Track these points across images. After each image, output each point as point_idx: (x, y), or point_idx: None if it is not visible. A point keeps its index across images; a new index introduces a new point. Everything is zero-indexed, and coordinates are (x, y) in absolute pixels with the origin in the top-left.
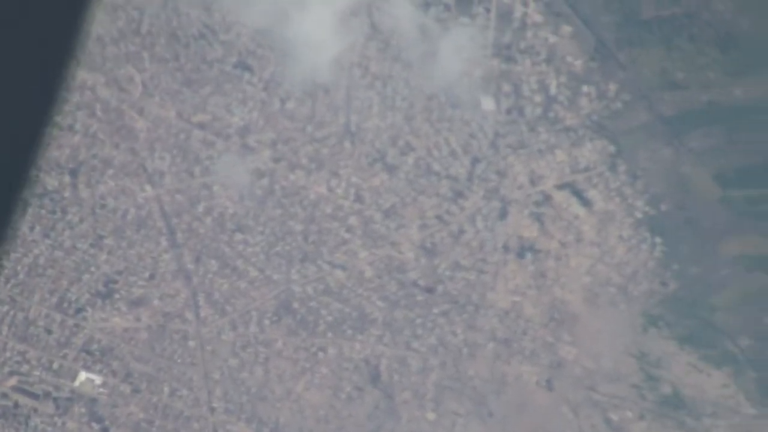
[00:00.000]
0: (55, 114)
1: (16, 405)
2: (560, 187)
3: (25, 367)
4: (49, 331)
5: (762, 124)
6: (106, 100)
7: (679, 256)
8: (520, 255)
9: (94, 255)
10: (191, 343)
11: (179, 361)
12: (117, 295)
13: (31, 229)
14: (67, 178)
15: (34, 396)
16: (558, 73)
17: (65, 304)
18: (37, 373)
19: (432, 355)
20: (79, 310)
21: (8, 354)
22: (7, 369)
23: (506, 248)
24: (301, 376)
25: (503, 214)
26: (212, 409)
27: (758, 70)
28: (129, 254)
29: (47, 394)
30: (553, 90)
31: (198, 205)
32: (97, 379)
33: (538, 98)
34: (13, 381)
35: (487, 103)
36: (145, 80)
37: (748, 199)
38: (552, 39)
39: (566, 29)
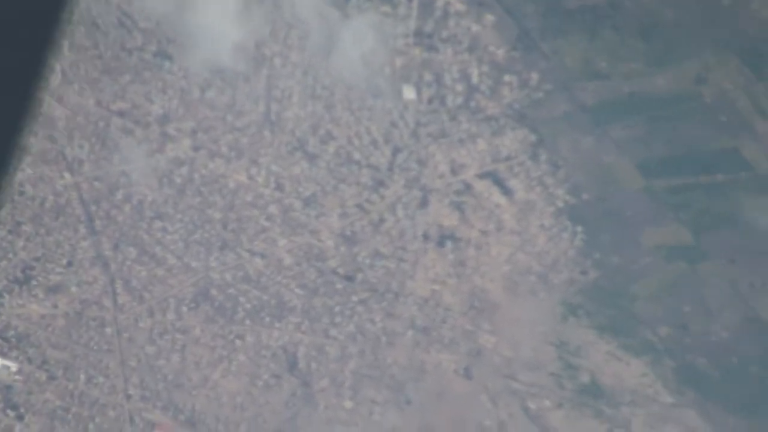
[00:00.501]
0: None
1: None
2: (481, 176)
3: None
4: None
5: (684, 113)
6: None
7: (599, 246)
8: (440, 244)
9: (11, 242)
10: (108, 330)
11: (96, 348)
12: (34, 282)
13: None
14: None
15: None
16: (480, 62)
17: None
18: None
19: (350, 343)
20: None
21: None
22: None
23: (426, 237)
24: (218, 363)
25: (424, 203)
26: (128, 396)
27: (680, 60)
28: (47, 241)
29: None
30: (474, 79)
31: (117, 192)
32: (13, 366)
33: (459, 87)
34: None
35: (409, 93)
36: (65, 68)
37: (669, 189)
38: (474, 28)
39: (489, 18)
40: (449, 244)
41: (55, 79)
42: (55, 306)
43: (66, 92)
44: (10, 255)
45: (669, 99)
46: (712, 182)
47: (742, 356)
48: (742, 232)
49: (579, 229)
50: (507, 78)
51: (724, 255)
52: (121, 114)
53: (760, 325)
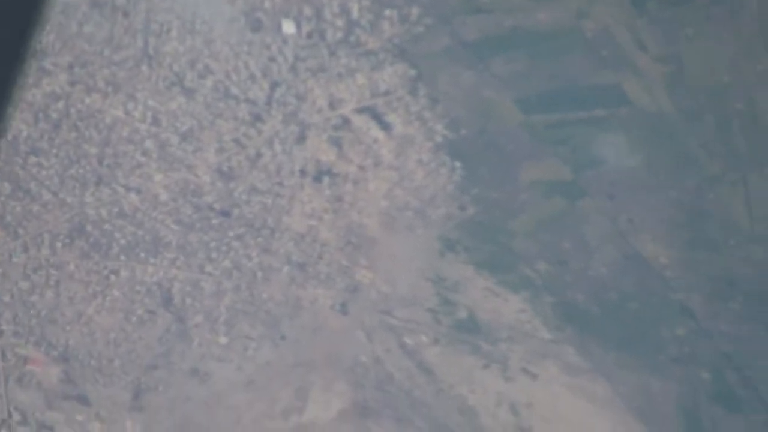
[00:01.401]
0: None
1: None
2: (359, 111)
3: None
4: None
5: (564, 48)
6: None
7: (478, 181)
8: (317, 179)
9: None
10: None
11: None
12: None
13: None
14: None
15: None
16: None
17: None
18: None
19: (226, 279)
20: None
21: None
22: None
23: (303, 172)
24: (92, 299)
25: (301, 138)
26: (1, 332)
27: None
28: None
29: None
30: (355, 14)
31: None
32: None
33: (339, 22)
34: None
35: (288, 27)
36: None
37: (548, 124)
38: None
39: None
40: (326, 180)
41: None
42: None
43: None
44: None
45: (550, 33)
46: (591, 117)
47: (620, 292)
48: (621, 168)
49: (457, 164)
50: (387, 12)
51: (603, 191)
52: None
53: (639, 261)
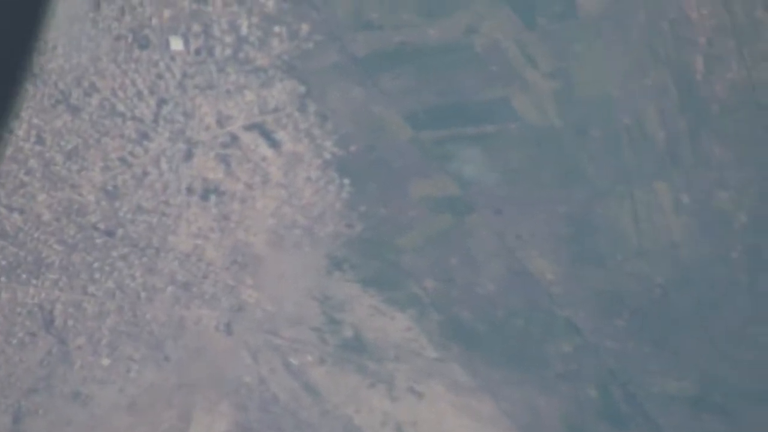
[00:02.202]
0: None
1: None
2: (248, 128)
3: None
4: None
5: (454, 63)
6: None
7: (366, 198)
8: (204, 197)
9: None
10: None
11: None
12: None
13: None
14: None
15: None
16: (250, 13)
17: None
18: None
19: (109, 300)
20: None
21: None
22: None
23: (190, 190)
24: None
25: (188, 156)
26: None
27: (451, 10)
28: None
29: None
30: (244, 30)
31: None
32: None
33: (228, 39)
34: None
35: (176, 44)
36: None
37: (437, 140)
38: None
39: None
40: (213, 198)
41: None
42: None
43: None
44: None
45: (439, 49)
46: (480, 133)
47: (507, 309)
48: (510, 183)
49: (346, 181)
50: (277, 29)
51: (490, 206)
52: None
53: (526, 278)
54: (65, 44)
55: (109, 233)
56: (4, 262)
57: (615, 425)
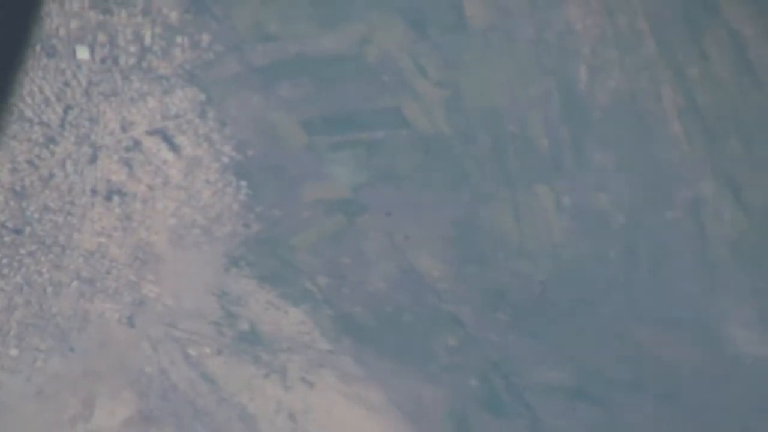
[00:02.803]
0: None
1: None
2: (150, 133)
3: None
4: None
5: (348, 73)
6: None
7: (262, 200)
8: (108, 198)
9: None
10: None
11: None
12: None
13: None
14: None
15: None
16: (153, 24)
17: None
18: None
19: (17, 294)
20: None
21: None
22: None
23: (94, 192)
24: None
25: (93, 159)
26: None
27: (346, 22)
28: None
29: None
30: (148, 41)
31: None
32: None
33: (132, 48)
34: None
35: (82, 53)
36: None
37: (331, 146)
38: None
39: None
40: (116, 199)
41: None
42: None
43: None
44: None
45: (334, 59)
46: (372, 139)
47: (395, 305)
48: (399, 186)
49: (243, 183)
50: (179, 39)
51: (381, 208)
52: None
53: (414, 275)
54: None
55: (17, 231)
56: None
57: (496, 414)
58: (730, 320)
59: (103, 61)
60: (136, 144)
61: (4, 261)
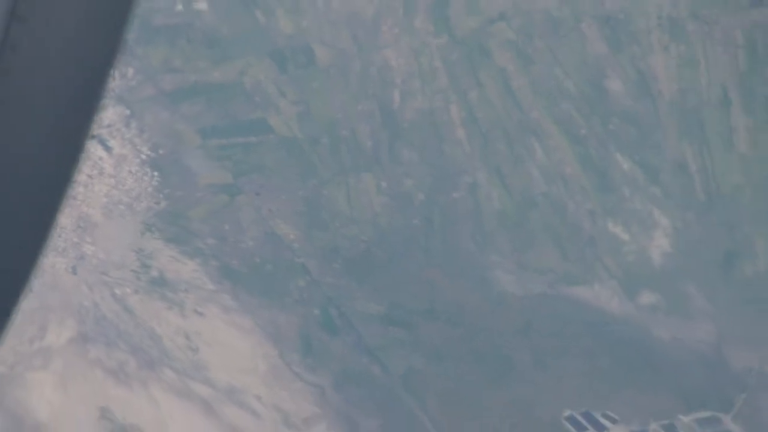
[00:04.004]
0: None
1: None
2: (90, 138)
3: None
4: None
5: (232, 95)
6: None
7: (169, 185)
8: None
9: None
10: None
11: None
12: None
13: None
14: None
15: None
16: None
17: None
18: None
19: None
20: None
21: None
22: None
23: None
24: None
25: None
26: None
27: (229, 60)
28: None
29: None
30: None
31: None
32: None
33: None
34: None
35: None
36: None
37: (219, 147)
38: None
39: None
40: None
41: None
42: None
43: None
44: None
45: (221, 86)
46: (247, 142)
47: (262, 257)
48: (266, 175)
49: (156, 173)
50: (113, 72)
51: (253, 190)
52: None
53: (275, 238)
54: None
55: None
56: None
57: (332, 334)
58: (496, 269)
59: None
60: None
61: None
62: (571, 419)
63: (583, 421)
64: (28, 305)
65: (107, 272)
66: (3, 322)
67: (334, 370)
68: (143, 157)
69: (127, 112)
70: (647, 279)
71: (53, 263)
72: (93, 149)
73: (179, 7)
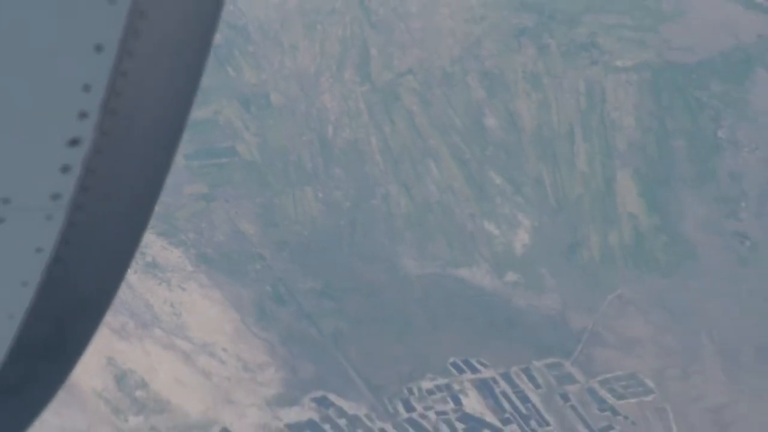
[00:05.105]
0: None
1: None
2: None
3: None
4: None
5: (205, 128)
6: None
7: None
8: None
9: None
10: None
11: None
12: None
13: None
14: None
15: None
16: None
17: None
18: None
19: None
20: None
21: None
22: None
23: None
24: None
25: None
26: None
27: (204, 104)
28: None
29: None
30: None
31: None
32: None
33: None
34: None
35: None
36: None
37: (198, 166)
38: None
39: None
40: None
41: None
42: None
43: None
44: None
45: (199, 121)
46: (220, 163)
47: (229, 248)
48: (233, 187)
49: None
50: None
51: (224, 198)
52: None
53: (239, 233)
54: None
55: None
56: None
57: (281, 305)
58: (403, 256)
59: None
60: None
61: None
62: (454, 364)
63: (463, 366)
64: None
65: None
66: (89, 334)
67: (281, 331)
68: None
69: None
70: (512, 263)
71: None
72: None
73: None
